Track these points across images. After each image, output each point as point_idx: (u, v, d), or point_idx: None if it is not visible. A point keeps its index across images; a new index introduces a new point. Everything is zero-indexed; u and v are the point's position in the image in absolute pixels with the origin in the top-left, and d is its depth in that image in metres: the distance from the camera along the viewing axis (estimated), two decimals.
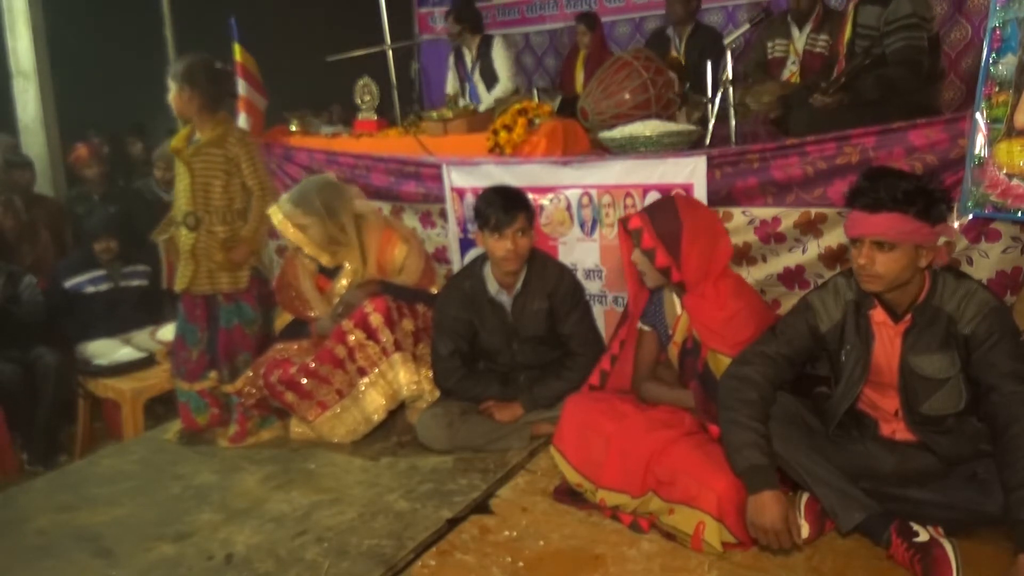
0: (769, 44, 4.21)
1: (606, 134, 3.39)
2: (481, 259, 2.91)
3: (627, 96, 3.56)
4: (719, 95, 3.31)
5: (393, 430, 3.07)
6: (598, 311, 3.25)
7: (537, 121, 3.60)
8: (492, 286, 2.87)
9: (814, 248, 2.83)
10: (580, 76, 5.18)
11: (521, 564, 2.13)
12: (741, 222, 2.95)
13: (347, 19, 5.75)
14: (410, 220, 3.87)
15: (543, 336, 2.91)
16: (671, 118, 3.59)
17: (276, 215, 3.05)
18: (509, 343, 2.93)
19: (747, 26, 3.63)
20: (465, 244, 3.64)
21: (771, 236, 2.90)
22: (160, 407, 3.75)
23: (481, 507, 2.46)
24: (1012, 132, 2.29)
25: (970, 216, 2.47)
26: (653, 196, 3.05)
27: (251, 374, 3.11)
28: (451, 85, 5.22)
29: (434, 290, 3.17)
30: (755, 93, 3.83)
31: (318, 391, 2.99)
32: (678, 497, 2.15)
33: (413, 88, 6.50)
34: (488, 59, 5.01)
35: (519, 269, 2.82)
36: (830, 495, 2.03)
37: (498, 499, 2.50)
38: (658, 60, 3.75)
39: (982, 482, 1.97)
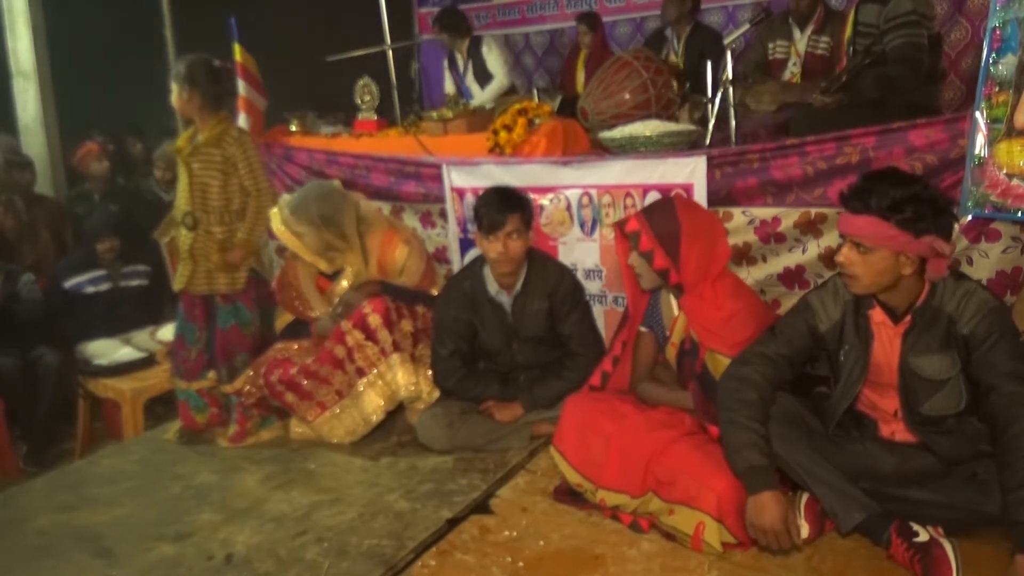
0: (770, 45, 4.20)
1: (606, 134, 3.39)
2: (481, 259, 2.91)
3: (627, 96, 3.56)
4: (719, 95, 3.31)
5: (393, 430, 3.07)
6: (598, 311, 3.25)
7: (537, 121, 3.60)
8: (492, 286, 2.87)
9: (814, 248, 2.83)
10: (581, 76, 5.19)
11: (521, 564, 2.13)
12: (741, 222, 2.95)
13: (347, 19, 5.74)
14: (410, 220, 3.87)
15: (543, 336, 2.91)
16: (671, 118, 3.59)
17: (275, 220, 3.06)
18: (509, 343, 2.93)
19: (747, 26, 3.63)
20: (465, 244, 3.64)
21: (771, 236, 2.90)
22: (160, 407, 3.75)
23: (481, 507, 2.46)
24: (1012, 132, 2.29)
25: (970, 216, 2.47)
26: (653, 196, 3.05)
27: (251, 373, 3.11)
28: (448, 90, 5.23)
29: (435, 291, 3.17)
30: (755, 93, 3.83)
31: (318, 391, 3.00)
32: (678, 497, 2.15)
33: (413, 88, 6.50)
34: (479, 60, 5.02)
35: (514, 271, 2.81)
36: (830, 495, 2.03)
37: (498, 499, 2.50)
38: (658, 60, 3.76)
39: (982, 482, 1.97)
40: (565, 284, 2.87)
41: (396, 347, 2.99)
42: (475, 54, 5.04)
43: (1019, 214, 2.32)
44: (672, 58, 4.60)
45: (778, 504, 1.96)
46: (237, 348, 3.19)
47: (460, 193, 3.57)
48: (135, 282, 4.08)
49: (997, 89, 2.32)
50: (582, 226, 3.30)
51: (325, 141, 4.28)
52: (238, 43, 4.30)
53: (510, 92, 5.00)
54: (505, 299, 2.88)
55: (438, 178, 3.63)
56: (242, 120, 4.24)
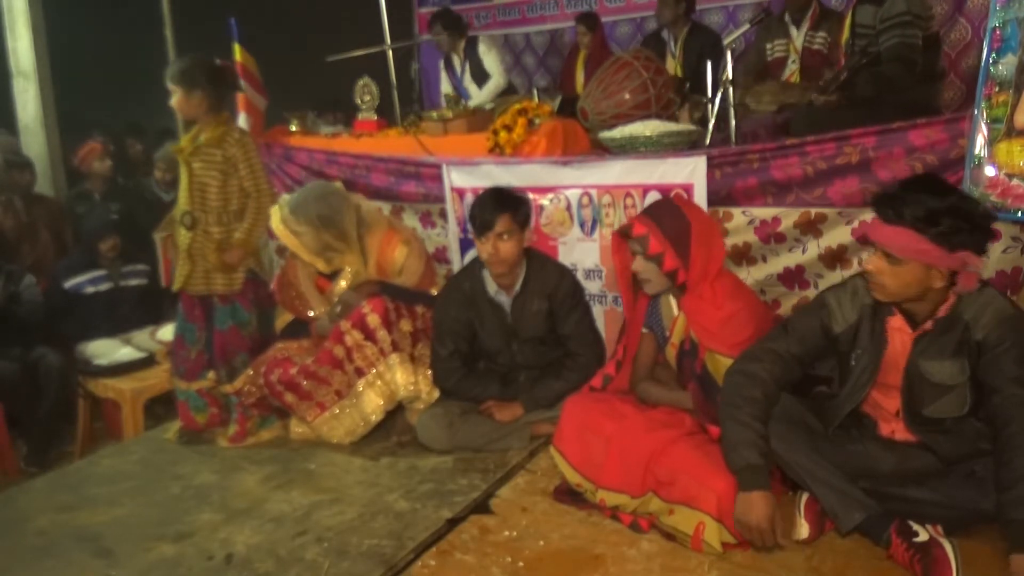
0: (768, 46, 4.21)
1: (606, 134, 3.39)
2: (480, 260, 2.91)
3: (627, 96, 3.56)
4: (719, 95, 3.31)
5: (393, 430, 3.07)
6: (598, 311, 3.25)
7: (537, 121, 3.60)
8: (491, 287, 2.87)
9: (814, 248, 2.83)
10: (580, 76, 5.19)
11: (521, 564, 2.13)
12: (741, 222, 2.95)
13: (347, 19, 5.75)
14: (410, 220, 3.87)
15: (543, 336, 2.91)
16: (671, 118, 3.59)
17: (275, 218, 3.06)
18: (509, 343, 2.93)
19: (747, 26, 3.63)
20: (465, 244, 3.64)
21: (771, 236, 2.90)
22: (160, 407, 3.75)
23: (481, 507, 2.46)
24: (1012, 132, 2.29)
25: None
26: (653, 196, 3.05)
27: (251, 373, 3.11)
28: (445, 92, 5.23)
29: (434, 291, 3.17)
30: (755, 93, 3.83)
31: (317, 392, 3.00)
32: (678, 497, 2.15)
33: (413, 88, 6.50)
34: (476, 60, 5.03)
35: (506, 272, 2.80)
36: (830, 496, 2.03)
37: (498, 499, 2.50)
38: (658, 60, 3.76)
39: (980, 480, 1.98)
40: (565, 285, 2.86)
41: (395, 347, 2.98)
42: (472, 54, 5.05)
43: (1019, 214, 2.32)
44: (670, 60, 4.60)
45: (766, 504, 1.96)
46: (236, 349, 3.19)
47: (460, 193, 3.57)
48: (135, 281, 4.09)
49: (997, 89, 2.32)
50: (582, 226, 3.30)
51: (325, 141, 4.28)
52: (238, 43, 4.30)
53: (509, 92, 5.01)
54: (504, 299, 2.88)
55: (438, 178, 3.63)
56: (242, 120, 4.25)
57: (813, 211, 2.79)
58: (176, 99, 3.04)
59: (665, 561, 2.09)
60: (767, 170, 2.86)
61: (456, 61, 5.16)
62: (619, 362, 2.66)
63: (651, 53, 3.88)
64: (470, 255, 3.50)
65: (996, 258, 2.52)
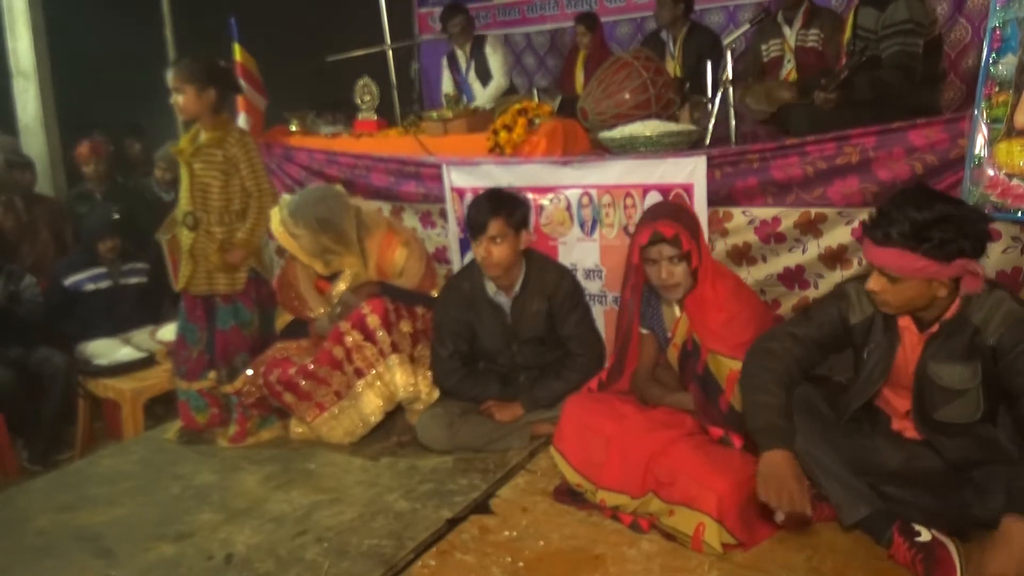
0: (764, 47, 4.22)
1: (606, 134, 3.39)
2: None
3: (627, 96, 3.56)
4: (719, 95, 3.31)
5: (393, 430, 3.07)
6: (598, 311, 3.24)
7: (537, 121, 3.60)
8: (490, 288, 2.87)
9: (814, 248, 2.83)
10: (580, 76, 5.19)
11: (521, 564, 2.13)
12: (741, 222, 2.95)
13: (347, 19, 5.74)
14: (410, 220, 3.87)
15: (542, 337, 2.90)
16: (671, 118, 3.59)
17: (274, 219, 3.07)
18: (508, 344, 2.93)
19: (747, 26, 3.64)
20: (465, 244, 3.63)
21: (771, 236, 2.90)
22: (160, 407, 3.75)
23: (481, 507, 2.46)
24: (1012, 132, 2.29)
25: None
26: (653, 196, 3.05)
27: (251, 373, 3.11)
28: (446, 87, 5.23)
29: (435, 292, 3.17)
30: (755, 93, 3.83)
31: (316, 392, 2.99)
32: (678, 498, 2.15)
33: (413, 88, 6.50)
34: (482, 59, 5.03)
35: (501, 275, 2.80)
36: (837, 487, 2.03)
37: (498, 499, 2.50)
38: (658, 60, 3.76)
39: (977, 487, 1.96)
40: (564, 286, 2.86)
41: (395, 348, 2.98)
42: (478, 54, 5.05)
43: (1019, 214, 2.32)
44: (669, 60, 4.60)
45: (785, 461, 1.92)
46: (237, 348, 3.19)
47: (460, 193, 3.57)
48: (135, 280, 4.09)
49: (997, 89, 2.32)
50: (582, 226, 3.30)
51: (325, 141, 4.28)
52: (238, 43, 4.30)
53: (510, 92, 5.01)
54: (504, 300, 2.88)
55: (438, 178, 3.63)
56: (242, 120, 4.24)
57: (813, 211, 2.79)
58: (184, 98, 3.01)
59: (665, 561, 2.09)
60: (767, 170, 2.86)
61: (461, 58, 5.16)
62: (610, 370, 2.66)
63: (651, 53, 3.88)
64: (470, 255, 3.48)
65: (996, 258, 2.52)
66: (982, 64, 2.36)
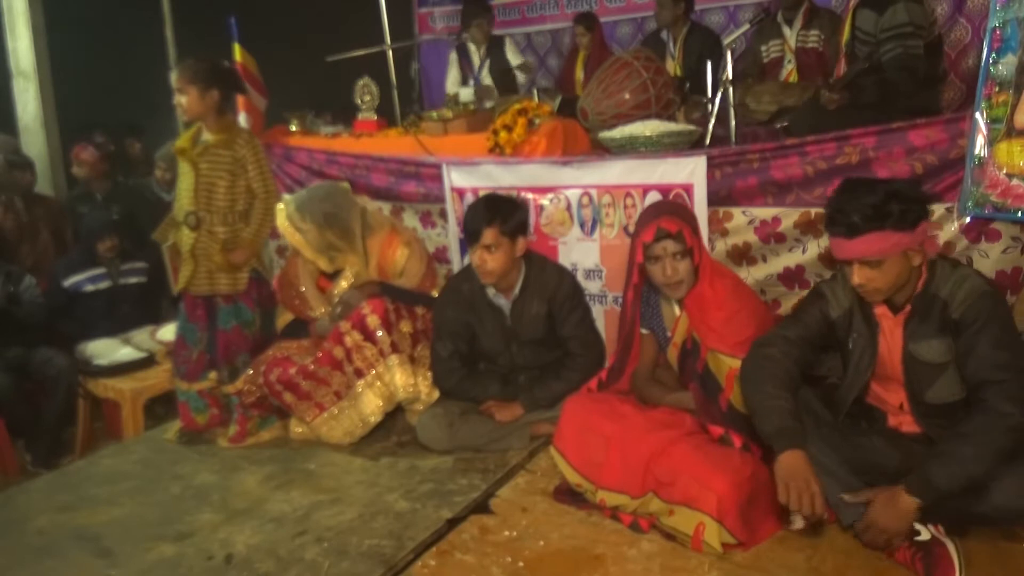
0: (764, 47, 4.22)
1: (606, 134, 3.39)
2: None
3: (627, 96, 3.56)
4: (719, 95, 3.31)
5: (393, 430, 3.07)
6: (598, 311, 3.24)
7: (537, 121, 3.60)
8: (490, 289, 2.87)
9: (814, 248, 2.83)
10: (580, 76, 5.19)
11: (521, 564, 2.13)
12: (741, 222, 2.95)
13: (347, 19, 5.74)
14: (410, 220, 3.87)
15: (542, 338, 2.90)
16: (671, 118, 3.59)
17: (280, 214, 3.07)
18: (508, 345, 2.93)
19: (747, 26, 3.63)
20: (465, 244, 3.63)
21: (771, 236, 2.90)
22: (160, 407, 3.75)
23: (481, 507, 2.46)
24: (1012, 132, 2.29)
25: (970, 216, 2.47)
26: (653, 196, 3.05)
27: (251, 372, 3.11)
28: (452, 82, 5.21)
29: (435, 293, 3.17)
30: (755, 93, 3.83)
31: (316, 392, 2.99)
32: (678, 498, 2.15)
33: (413, 88, 6.50)
34: (498, 60, 5.03)
35: (495, 282, 2.80)
36: (835, 487, 2.04)
37: (498, 499, 2.50)
38: (658, 60, 3.76)
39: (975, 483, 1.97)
40: (564, 287, 2.86)
41: (395, 348, 2.98)
42: (495, 54, 5.06)
43: (1019, 214, 2.32)
44: (669, 61, 4.60)
45: (803, 462, 1.95)
46: (239, 348, 3.19)
47: (460, 193, 3.57)
48: (134, 279, 4.09)
49: (997, 89, 2.32)
50: (582, 226, 3.30)
51: (325, 141, 4.28)
52: (238, 43, 4.30)
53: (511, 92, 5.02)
54: (503, 302, 2.88)
55: (438, 178, 3.63)
56: (242, 120, 4.24)
57: (813, 211, 2.79)
58: (187, 99, 3.00)
59: (665, 561, 2.09)
60: (767, 170, 2.86)
61: (475, 55, 5.16)
62: (611, 369, 2.66)
63: (651, 53, 3.88)
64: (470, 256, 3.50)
65: (996, 258, 2.52)
66: (982, 64, 2.36)
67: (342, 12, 6.10)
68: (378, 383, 2.99)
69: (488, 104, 4.14)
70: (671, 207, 2.58)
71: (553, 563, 2.13)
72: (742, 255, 2.98)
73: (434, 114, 4.09)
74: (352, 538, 2.34)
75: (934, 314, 2.01)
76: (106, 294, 3.97)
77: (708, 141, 3.30)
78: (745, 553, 2.08)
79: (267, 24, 5.38)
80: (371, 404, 2.99)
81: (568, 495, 2.44)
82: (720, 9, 5.39)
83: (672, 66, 4.56)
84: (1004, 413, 1.85)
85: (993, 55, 2.33)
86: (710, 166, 2.95)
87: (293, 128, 4.45)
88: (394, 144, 4.04)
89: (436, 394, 3.01)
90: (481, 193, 3.42)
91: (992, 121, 2.34)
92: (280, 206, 3.10)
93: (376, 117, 4.39)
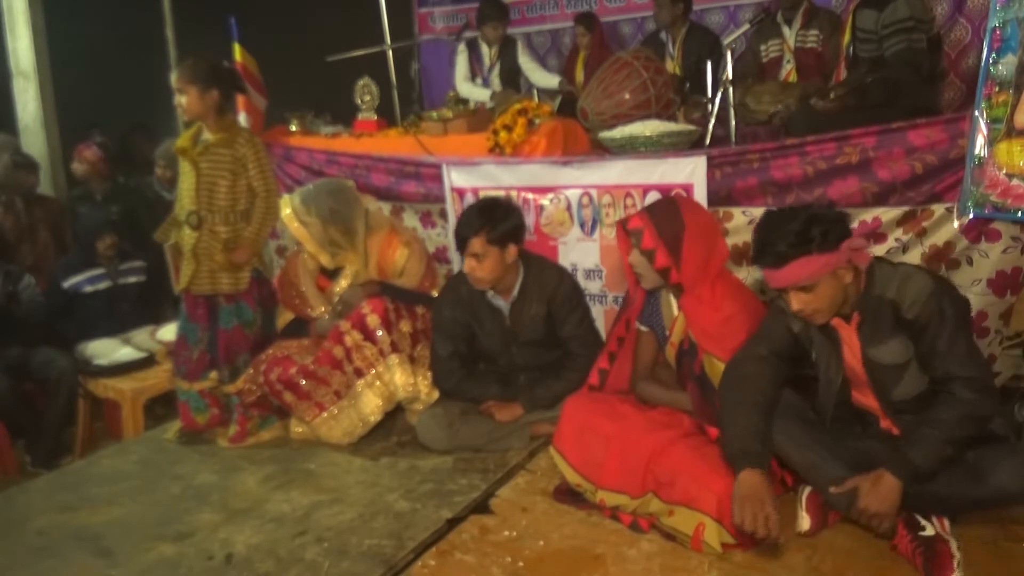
0: (763, 47, 4.22)
1: (606, 134, 3.39)
2: None
3: (627, 96, 3.56)
4: (719, 95, 3.31)
5: (393, 430, 3.08)
6: (598, 311, 3.25)
7: (537, 121, 3.60)
8: (489, 291, 2.86)
9: None
10: (580, 76, 5.19)
11: (521, 564, 2.13)
12: (741, 222, 2.95)
13: (347, 19, 5.74)
14: (410, 220, 3.87)
15: (542, 339, 2.90)
16: (671, 118, 3.59)
17: (285, 208, 3.08)
18: (508, 346, 2.93)
19: (747, 26, 3.63)
20: None
21: None
22: (160, 407, 3.75)
23: (481, 507, 2.46)
24: (1012, 132, 2.29)
25: (970, 216, 2.47)
26: (653, 196, 3.05)
27: (251, 371, 3.12)
28: (461, 75, 5.16)
29: (435, 293, 3.17)
30: (755, 93, 3.83)
31: (316, 392, 2.99)
32: (677, 498, 2.15)
33: (413, 88, 6.49)
34: (511, 61, 5.03)
35: (487, 288, 2.80)
36: (824, 481, 2.06)
37: (498, 499, 2.50)
38: (658, 60, 3.75)
39: (971, 467, 1.99)
40: (563, 288, 2.85)
41: (394, 348, 2.98)
42: (507, 55, 5.05)
43: (1019, 214, 2.32)
44: (668, 61, 4.60)
45: (760, 483, 1.99)
46: (240, 348, 3.19)
47: (460, 193, 3.57)
48: (133, 278, 4.09)
49: (997, 89, 2.32)
50: (582, 226, 3.30)
51: (325, 141, 4.28)
52: (238, 43, 4.29)
53: (512, 91, 5.01)
54: (502, 303, 2.87)
55: (438, 178, 3.63)
56: (242, 120, 4.24)
57: None
58: (187, 98, 3.01)
59: (665, 561, 2.09)
60: (767, 170, 2.86)
61: (486, 55, 5.15)
62: (612, 354, 2.66)
63: (651, 53, 3.88)
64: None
65: (996, 258, 2.52)
66: (982, 64, 2.36)
67: (342, 12, 6.10)
68: (378, 383, 2.99)
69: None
70: (653, 206, 2.52)
71: (553, 563, 2.13)
72: (742, 255, 2.98)
73: (434, 114, 4.09)
74: (352, 538, 2.34)
75: (885, 316, 2.04)
76: (106, 294, 3.96)
77: (708, 141, 3.30)
78: (745, 553, 2.08)
79: (267, 24, 5.38)
80: (371, 404, 2.99)
81: (568, 495, 2.44)
82: (720, 9, 5.39)
83: (671, 66, 4.56)
84: (968, 402, 1.95)
85: (993, 55, 2.32)
86: (710, 166, 2.95)
87: (293, 128, 4.44)
88: (394, 144, 4.04)
89: (436, 394, 3.01)
90: (481, 193, 3.43)
91: (992, 121, 2.34)
92: (284, 199, 3.10)
93: (376, 117, 4.39)
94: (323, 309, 3.21)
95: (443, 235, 3.76)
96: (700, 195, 2.96)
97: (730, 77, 3.29)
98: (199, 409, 3.26)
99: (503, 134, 3.55)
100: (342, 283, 3.17)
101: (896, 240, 2.68)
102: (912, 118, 2.66)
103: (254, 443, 3.13)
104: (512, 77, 5.08)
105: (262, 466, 2.92)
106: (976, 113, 2.37)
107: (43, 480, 3.05)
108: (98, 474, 2.99)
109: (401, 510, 2.48)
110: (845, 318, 2.10)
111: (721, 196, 2.96)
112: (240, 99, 4.21)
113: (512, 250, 2.75)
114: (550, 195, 3.34)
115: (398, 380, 2.98)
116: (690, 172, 2.98)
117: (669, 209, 2.43)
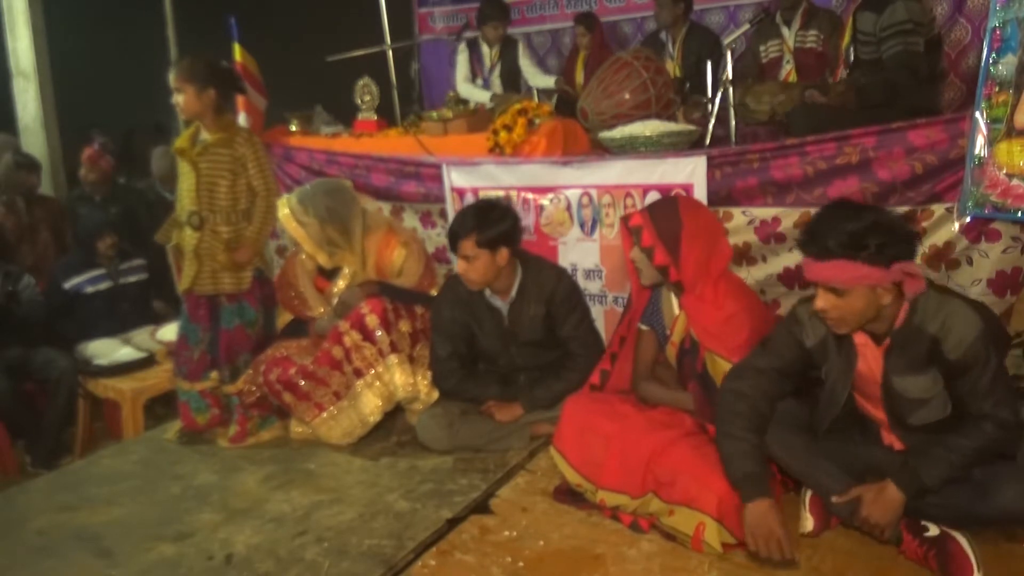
0: (762, 47, 4.22)
1: (606, 134, 3.39)
2: None
3: (627, 96, 3.56)
4: (719, 95, 3.31)
5: (393, 430, 3.07)
6: (598, 311, 3.25)
7: (537, 121, 3.60)
8: (487, 291, 2.86)
9: None
10: (580, 76, 5.19)
11: (521, 564, 2.13)
12: (741, 222, 2.95)
13: (347, 19, 5.75)
14: (410, 220, 3.87)
15: (541, 339, 2.90)
16: (671, 118, 3.59)
17: (283, 208, 3.08)
18: (507, 346, 2.92)
19: (747, 26, 3.64)
20: None
21: (771, 236, 2.90)
22: (160, 407, 3.75)
23: (481, 507, 2.46)
24: (1012, 132, 2.29)
25: (970, 216, 2.47)
26: (653, 196, 3.05)
27: (251, 372, 3.11)
28: (461, 76, 5.16)
29: (434, 292, 3.16)
30: (755, 93, 3.83)
31: (315, 392, 2.99)
32: (678, 498, 2.15)
33: (413, 88, 6.50)
34: (511, 62, 5.03)
35: (482, 288, 2.80)
36: (828, 490, 2.05)
37: (498, 499, 2.50)
38: (658, 60, 3.75)
39: (977, 484, 1.96)
40: (562, 289, 2.85)
41: (394, 348, 2.98)
42: (508, 56, 5.05)
43: (1019, 214, 2.32)
44: (668, 61, 4.60)
45: (775, 511, 1.99)
46: (241, 348, 3.19)
47: (460, 193, 3.57)
48: (133, 278, 4.09)
49: (997, 89, 2.32)
50: (582, 226, 3.30)
51: (325, 141, 4.28)
52: (238, 43, 4.30)
53: (513, 91, 5.02)
54: (501, 304, 2.87)
55: (438, 178, 3.63)
56: (242, 120, 4.25)
57: (813, 211, 2.77)
58: (184, 97, 3.01)
59: (665, 561, 2.09)
60: (767, 170, 2.86)
61: (487, 56, 5.15)
62: (614, 355, 2.67)
63: (651, 53, 3.88)
64: None
65: (996, 258, 2.52)
66: (982, 64, 2.36)
67: (342, 12, 6.11)
68: (377, 383, 2.99)
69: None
70: (654, 205, 2.52)
71: (553, 563, 2.13)
72: (742, 255, 2.98)
73: (434, 114, 4.09)
74: (352, 538, 2.34)
75: (920, 349, 1.93)
76: (106, 294, 3.96)
77: (708, 141, 3.31)
78: (745, 553, 2.07)
79: (267, 24, 5.39)
80: (370, 404, 2.99)
81: (568, 495, 2.44)
82: (720, 9, 5.39)
83: (671, 66, 4.56)
84: (994, 438, 1.91)
85: (993, 55, 2.32)
86: (710, 166, 2.95)
87: (293, 128, 4.45)
88: (394, 144, 4.04)
89: (435, 394, 3.00)
90: (481, 193, 3.43)
91: (992, 121, 2.34)
92: (282, 200, 3.10)
93: (376, 117, 4.39)
94: (322, 309, 3.21)
95: (443, 235, 3.75)
96: (700, 195, 2.96)
97: (730, 77, 3.29)
98: (200, 409, 3.26)
99: (503, 134, 3.56)
100: (340, 283, 3.17)
101: None
102: (912, 118, 2.66)
103: (254, 443, 3.13)
104: (513, 78, 5.08)
105: (262, 466, 2.92)
106: (976, 113, 2.37)
107: (43, 480, 3.05)
108: (98, 474, 2.98)
109: (401, 510, 2.48)
110: (875, 339, 2.01)
111: (721, 196, 2.96)
112: (240, 99, 4.21)
113: (504, 253, 2.73)
114: (550, 195, 3.34)
115: (397, 380, 2.98)
116: (690, 172, 2.98)
117: (668, 208, 2.43)
